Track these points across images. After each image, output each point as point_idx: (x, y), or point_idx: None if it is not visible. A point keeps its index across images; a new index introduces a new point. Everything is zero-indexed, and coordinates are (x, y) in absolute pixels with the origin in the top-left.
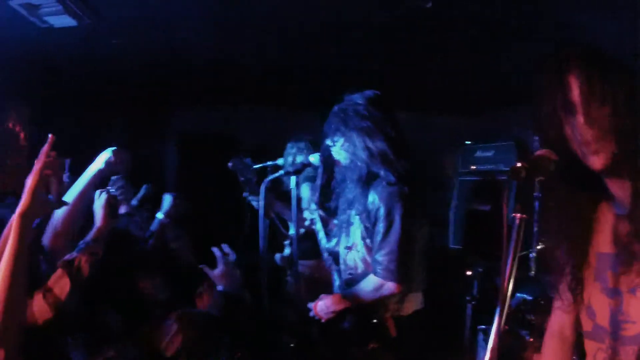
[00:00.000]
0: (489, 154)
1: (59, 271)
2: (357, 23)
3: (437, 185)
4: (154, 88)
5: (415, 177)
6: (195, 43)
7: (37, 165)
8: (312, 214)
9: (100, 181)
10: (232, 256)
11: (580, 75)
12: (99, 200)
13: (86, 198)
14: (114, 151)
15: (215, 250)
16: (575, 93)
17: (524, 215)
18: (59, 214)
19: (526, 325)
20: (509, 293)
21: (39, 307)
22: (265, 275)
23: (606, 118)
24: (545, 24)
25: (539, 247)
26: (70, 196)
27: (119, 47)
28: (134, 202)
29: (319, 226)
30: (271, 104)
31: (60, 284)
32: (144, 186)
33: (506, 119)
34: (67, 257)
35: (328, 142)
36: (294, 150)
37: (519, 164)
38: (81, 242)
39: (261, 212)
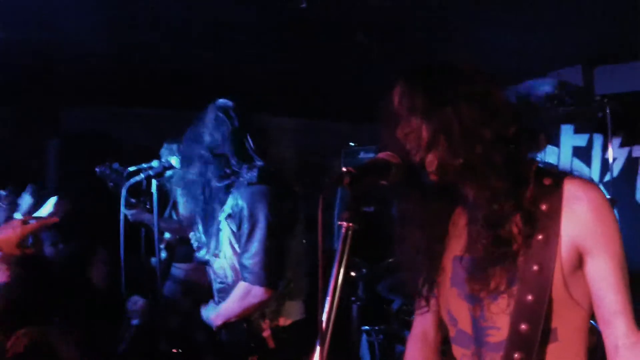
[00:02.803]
0: (372, 155)
1: None
2: (250, 26)
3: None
4: (39, 84)
5: (282, 178)
6: (84, 40)
7: None
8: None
9: None
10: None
11: (402, 86)
12: None
13: None
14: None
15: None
16: (394, 105)
17: (351, 224)
18: None
19: (408, 326)
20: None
21: None
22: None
23: (423, 127)
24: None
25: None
26: None
27: (4, 41)
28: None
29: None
30: (159, 105)
31: None
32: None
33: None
34: None
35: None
36: (166, 152)
37: (344, 169)
38: None
39: (122, 216)
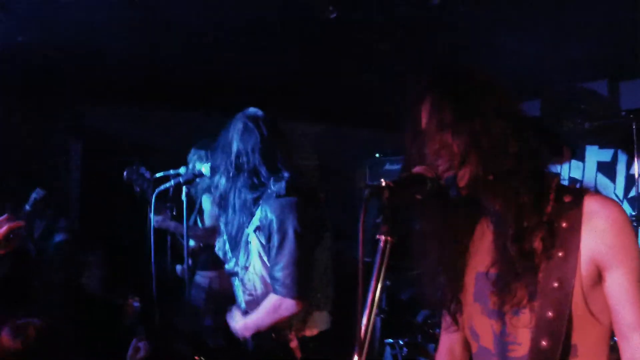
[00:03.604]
0: (397, 167)
1: None
2: (274, 32)
3: (346, 197)
4: (64, 84)
5: (309, 188)
6: (109, 41)
7: None
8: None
9: None
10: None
11: (430, 101)
12: None
13: None
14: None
15: None
16: (424, 120)
17: (390, 238)
18: None
19: (433, 340)
20: (370, 325)
21: None
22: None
23: (454, 142)
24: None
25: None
26: None
27: (29, 42)
28: (27, 207)
29: (226, 246)
30: (183, 108)
31: None
32: (35, 190)
33: None
34: None
35: (215, 155)
36: (194, 158)
37: (383, 183)
38: None
39: (151, 223)
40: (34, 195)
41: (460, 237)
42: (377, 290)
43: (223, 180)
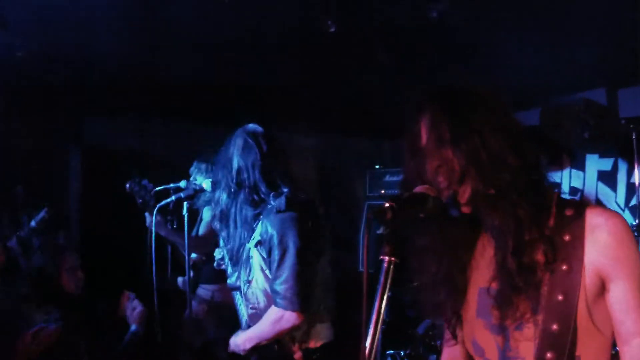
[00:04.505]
0: (398, 178)
1: None
2: (273, 44)
3: (345, 209)
4: (64, 94)
5: (309, 202)
6: (107, 52)
7: None
8: (219, 254)
9: None
10: (139, 308)
11: (429, 119)
12: None
13: None
14: None
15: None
16: (423, 137)
17: (393, 258)
18: None
19: (434, 351)
20: (376, 344)
21: None
22: (156, 300)
23: (454, 158)
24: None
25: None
26: None
27: (28, 53)
28: (33, 223)
29: (227, 261)
30: (186, 119)
31: None
32: (44, 208)
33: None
34: None
35: (216, 171)
36: (195, 171)
37: (386, 204)
38: None
39: (152, 238)
40: (42, 214)
41: (461, 252)
42: (381, 310)
43: (224, 196)
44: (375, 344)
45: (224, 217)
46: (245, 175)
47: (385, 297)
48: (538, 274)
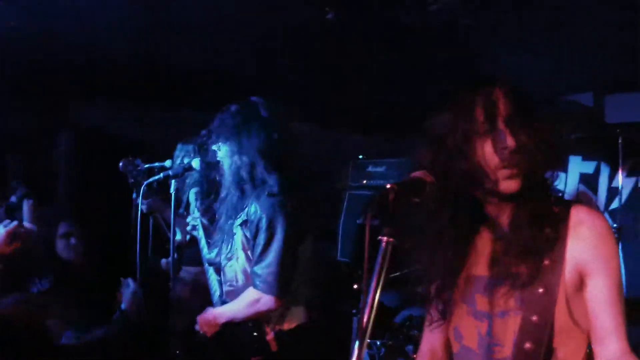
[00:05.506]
0: (381, 169)
1: None
2: (264, 33)
3: (326, 198)
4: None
5: (300, 189)
6: (108, 37)
7: None
8: (194, 220)
9: None
10: (132, 286)
11: (503, 102)
12: None
13: None
14: None
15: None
16: (501, 119)
17: (392, 239)
18: None
19: (411, 341)
20: (370, 324)
21: None
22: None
23: (526, 144)
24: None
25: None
26: None
27: (18, 29)
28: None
29: (200, 233)
30: (182, 106)
31: None
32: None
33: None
34: None
35: (213, 147)
36: (182, 153)
37: (388, 186)
38: None
39: (138, 214)
40: (22, 191)
41: (462, 240)
42: (377, 291)
43: (219, 175)
44: (370, 326)
45: (213, 189)
46: (245, 155)
47: (382, 278)
48: (528, 266)
